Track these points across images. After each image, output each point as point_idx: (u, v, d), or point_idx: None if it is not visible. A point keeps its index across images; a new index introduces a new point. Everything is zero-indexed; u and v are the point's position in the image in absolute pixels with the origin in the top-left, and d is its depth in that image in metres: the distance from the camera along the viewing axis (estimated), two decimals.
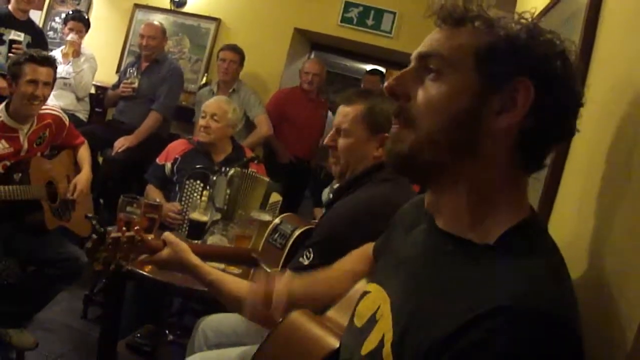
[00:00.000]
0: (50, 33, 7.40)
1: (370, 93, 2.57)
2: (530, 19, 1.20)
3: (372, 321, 1.30)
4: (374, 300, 1.37)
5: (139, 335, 3.97)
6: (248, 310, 1.91)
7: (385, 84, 1.31)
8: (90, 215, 2.52)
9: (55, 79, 3.95)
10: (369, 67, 7.71)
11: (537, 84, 1.14)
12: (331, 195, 2.64)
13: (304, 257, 2.29)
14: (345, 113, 2.53)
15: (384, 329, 1.22)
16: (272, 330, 1.58)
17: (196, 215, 3.59)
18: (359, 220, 2.28)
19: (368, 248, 1.85)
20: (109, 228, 2.19)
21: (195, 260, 2.26)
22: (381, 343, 1.21)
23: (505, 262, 1.09)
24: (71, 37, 5.89)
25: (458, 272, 1.14)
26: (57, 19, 7.48)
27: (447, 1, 1.23)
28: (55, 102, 5.31)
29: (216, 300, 2.20)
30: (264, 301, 1.85)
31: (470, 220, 1.20)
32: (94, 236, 2.12)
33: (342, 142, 2.53)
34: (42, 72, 3.79)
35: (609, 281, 1.26)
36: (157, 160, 4.52)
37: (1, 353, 3.75)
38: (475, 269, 1.11)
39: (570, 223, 1.62)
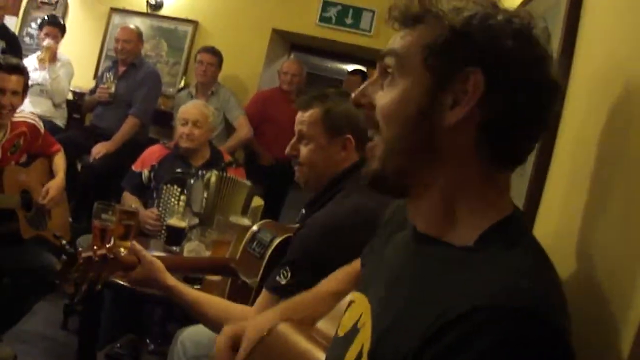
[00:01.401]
0: (27, 39, 7.31)
1: (326, 96, 2.50)
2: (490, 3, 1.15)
3: (354, 330, 1.26)
4: (356, 309, 1.32)
5: (119, 345, 3.90)
6: None
7: (352, 95, 1.30)
8: (58, 234, 2.47)
9: (27, 86, 3.85)
10: (350, 67, 7.69)
11: (488, 71, 1.09)
12: (303, 211, 2.58)
13: (281, 276, 2.20)
14: (302, 119, 2.48)
15: (364, 338, 1.18)
16: (257, 342, 1.52)
17: (174, 221, 3.54)
18: (334, 234, 2.22)
19: (356, 265, 1.79)
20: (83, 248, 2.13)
21: (171, 280, 2.21)
22: (360, 353, 1.17)
23: (484, 262, 1.05)
24: (47, 42, 5.82)
25: (436, 276, 1.10)
26: (33, 24, 7.37)
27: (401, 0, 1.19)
28: (32, 108, 5.20)
29: None
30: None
31: (448, 223, 1.16)
32: (64, 257, 2.08)
33: (303, 149, 2.48)
34: (11, 80, 3.69)
35: (598, 280, 1.23)
36: (133, 167, 4.45)
37: None
38: (454, 271, 1.07)
39: (556, 221, 1.59)
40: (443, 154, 1.14)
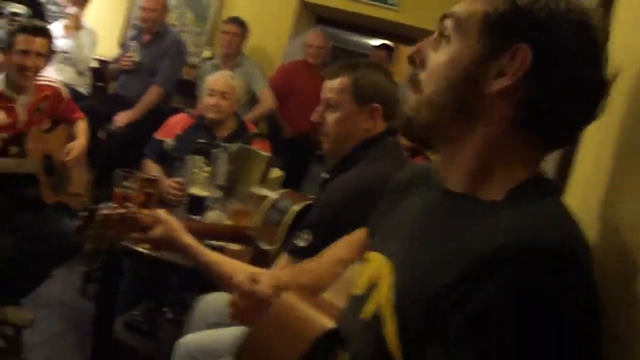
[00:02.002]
0: (52, 7, 7.28)
1: (356, 65, 2.50)
2: None
3: (371, 286, 1.29)
4: (372, 266, 1.36)
5: (137, 313, 3.91)
6: (231, 315, 1.82)
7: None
8: (79, 192, 2.46)
9: (51, 50, 3.86)
10: (375, 42, 7.60)
11: (538, 51, 1.13)
12: (326, 176, 2.56)
13: (301, 238, 2.21)
14: (330, 86, 2.47)
15: (383, 291, 1.22)
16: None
17: (196, 191, 3.52)
18: (358, 198, 2.20)
19: (360, 234, 1.81)
20: (103, 205, 2.13)
21: (190, 240, 2.21)
22: (380, 304, 1.20)
23: (512, 213, 1.09)
24: (72, 10, 5.79)
25: (463, 227, 1.12)
26: None
27: None
28: (56, 76, 5.20)
29: None
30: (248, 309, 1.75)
31: (478, 181, 1.20)
32: (83, 214, 2.08)
33: (330, 116, 2.47)
34: (35, 42, 3.70)
35: (625, 254, 1.20)
36: (156, 135, 4.43)
37: None
38: (482, 222, 1.10)
39: (584, 194, 1.58)
40: (481, 117, 1.19)
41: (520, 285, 0.96)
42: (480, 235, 1.05)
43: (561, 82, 1.13)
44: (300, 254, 2.15)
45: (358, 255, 1.71)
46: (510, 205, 1.11)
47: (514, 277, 0.96)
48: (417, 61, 1.30)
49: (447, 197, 1.25)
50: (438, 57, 1.24)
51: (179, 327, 3.13)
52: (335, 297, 1.56)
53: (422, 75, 1.26)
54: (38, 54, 3.71)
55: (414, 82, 1.28)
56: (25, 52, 3.66)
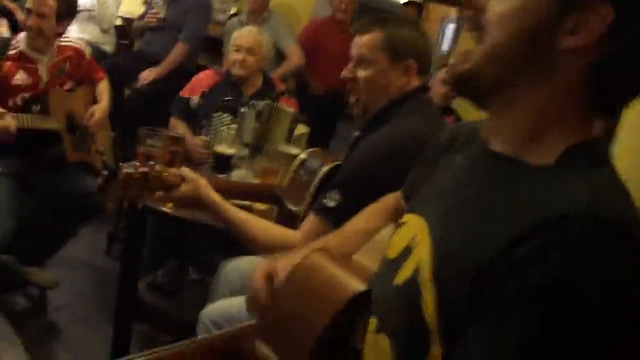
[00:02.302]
0: None
1: (386, 20, 2.39)
2: None
3: (407, 250, 1.23)
4: (409, 229, 1.29)
5: (161, 273, 3.87)
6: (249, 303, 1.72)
7: None
8: (100, 149, 2.40)
9: (64, 12, 3.75)
10: None
11: (619, 12, 1.03)
12: (357, 133, 2.47)
13: (329, 198, 2.14)
14: (362, 42, 2.36)
15: (421, 256, 1.16)
16: (289, 272, 1.44)
17: (222, 148, 3.47)
18: (391, 157, 2.14)
19: (390, 200, 1.77)
20: (127, 164, 2.07)
21: (216, 197, 2.18)
22: (417, 271, 1.15)
23: (567, 177, 1.04)
24: None
25: (511, 191, 1.08)
26: None
27: None
28: (80, 34, 5.21)
29: None
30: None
31: (530, 142, 1.13)
32: (104, 172, 2.03)
33: (362, 73, 2.36)
34: (37, 2, 3.60)
35: None
36: (182, 93, 4.34)
37: (23, 291, 3.73)
38: (531, 187, 1.05)
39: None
40: (545, 75, 1.10)
41: (576, 263, 0.90)
42: (531, 203, 1.00)
43: (636, 48, 1.05)
44: (329, 214, 2.11)
45: (386, 222, 1.65)
46: (563, 171, 1.06)
47: (572, 252, 0.91)
48: (474, 5, 1.17)
49: (493, 159, 1.18)
50: (505, 2, 1.12)
51: (204, 289, 3.09)
52: (366, 259, 1.50)
53: (486, 20, 1.14)
54: (39, 15, 3.61)
55: (477, 28, 1.16)
56: (29, 12, 3.61)
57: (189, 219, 2.80)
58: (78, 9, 4.05)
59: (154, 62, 5.62)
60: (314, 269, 1.41)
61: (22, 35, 3.71)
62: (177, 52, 5.63)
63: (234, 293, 2.54)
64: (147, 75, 5.49)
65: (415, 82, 2.37)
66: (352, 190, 2.11)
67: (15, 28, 5.18)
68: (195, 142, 3.88)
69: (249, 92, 4.17)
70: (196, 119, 4.19)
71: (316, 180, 2.44)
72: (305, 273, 1.41)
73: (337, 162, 2.47)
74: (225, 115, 3.93)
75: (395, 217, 1.62)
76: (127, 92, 5.63)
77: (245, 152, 3.61)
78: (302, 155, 2.61)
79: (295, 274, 1.42)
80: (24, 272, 3.66)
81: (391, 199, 1.80)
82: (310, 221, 2.17)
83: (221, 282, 2.68)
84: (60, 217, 3.61)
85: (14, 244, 3.32)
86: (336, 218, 2.03)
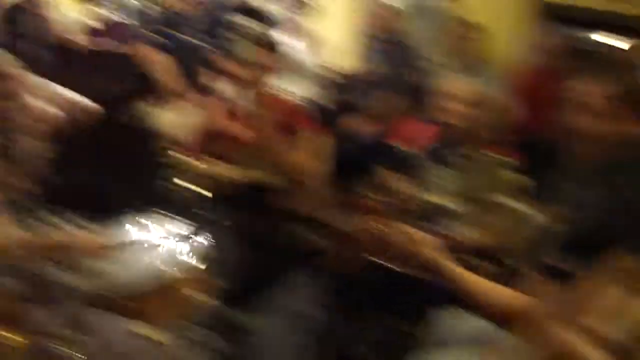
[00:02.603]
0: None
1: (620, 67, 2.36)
2: None
3: None
4: None
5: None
6: None
7: None
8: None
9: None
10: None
11: None
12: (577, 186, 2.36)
13: (554, 257, 2.06)
14: (594, 90, 2.26)
15: None
16: None
17: (434, 198, 3.50)
18: (620, 214, 2.05)
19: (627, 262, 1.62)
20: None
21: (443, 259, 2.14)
22: None
23: None
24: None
25: None
26: None
27: None
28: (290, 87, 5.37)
29: None
30: None
31: None
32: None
33: (587, 121, 2.28)
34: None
35: None
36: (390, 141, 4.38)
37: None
38: None
39: None
40: None
41: None
42: None
43: None
44: (553, 274, 1.99)
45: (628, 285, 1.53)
46: None
47: None
48: None
49: None
50: None
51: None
52: (597, 322, 1.42)
53: None
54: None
55: None
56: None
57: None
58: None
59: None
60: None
61: None
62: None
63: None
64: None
65: None
66: (579, 250, 1.97)
67: None
68: (406, 190, 3.87)
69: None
70: (406, 168, 4.17)
71: (538, 237, 2.34)
72: None
73: (564, 218, 2.35)
74: (436, 164, 3.89)
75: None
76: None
77: (457, 202, 3.57)
78: (522, 209, 2.52)
79: None
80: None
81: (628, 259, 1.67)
82: (533, 279, 2.08)
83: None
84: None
85: None
86: (560, 278, 1.91)
